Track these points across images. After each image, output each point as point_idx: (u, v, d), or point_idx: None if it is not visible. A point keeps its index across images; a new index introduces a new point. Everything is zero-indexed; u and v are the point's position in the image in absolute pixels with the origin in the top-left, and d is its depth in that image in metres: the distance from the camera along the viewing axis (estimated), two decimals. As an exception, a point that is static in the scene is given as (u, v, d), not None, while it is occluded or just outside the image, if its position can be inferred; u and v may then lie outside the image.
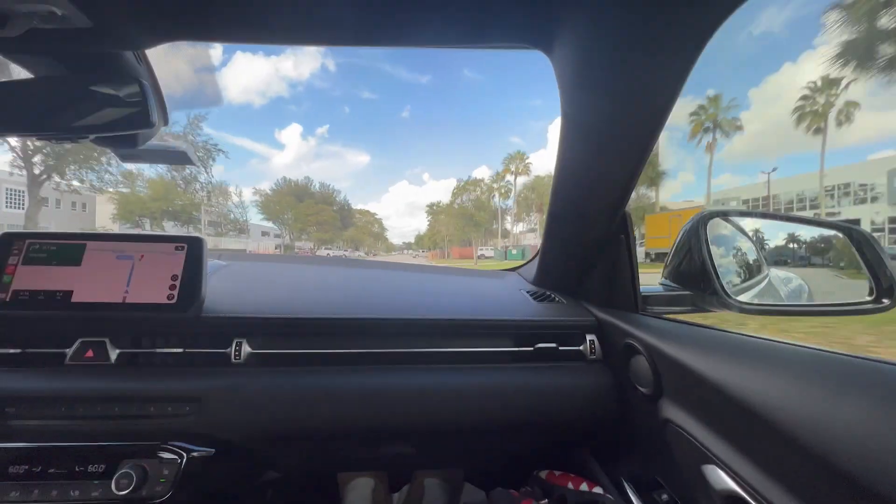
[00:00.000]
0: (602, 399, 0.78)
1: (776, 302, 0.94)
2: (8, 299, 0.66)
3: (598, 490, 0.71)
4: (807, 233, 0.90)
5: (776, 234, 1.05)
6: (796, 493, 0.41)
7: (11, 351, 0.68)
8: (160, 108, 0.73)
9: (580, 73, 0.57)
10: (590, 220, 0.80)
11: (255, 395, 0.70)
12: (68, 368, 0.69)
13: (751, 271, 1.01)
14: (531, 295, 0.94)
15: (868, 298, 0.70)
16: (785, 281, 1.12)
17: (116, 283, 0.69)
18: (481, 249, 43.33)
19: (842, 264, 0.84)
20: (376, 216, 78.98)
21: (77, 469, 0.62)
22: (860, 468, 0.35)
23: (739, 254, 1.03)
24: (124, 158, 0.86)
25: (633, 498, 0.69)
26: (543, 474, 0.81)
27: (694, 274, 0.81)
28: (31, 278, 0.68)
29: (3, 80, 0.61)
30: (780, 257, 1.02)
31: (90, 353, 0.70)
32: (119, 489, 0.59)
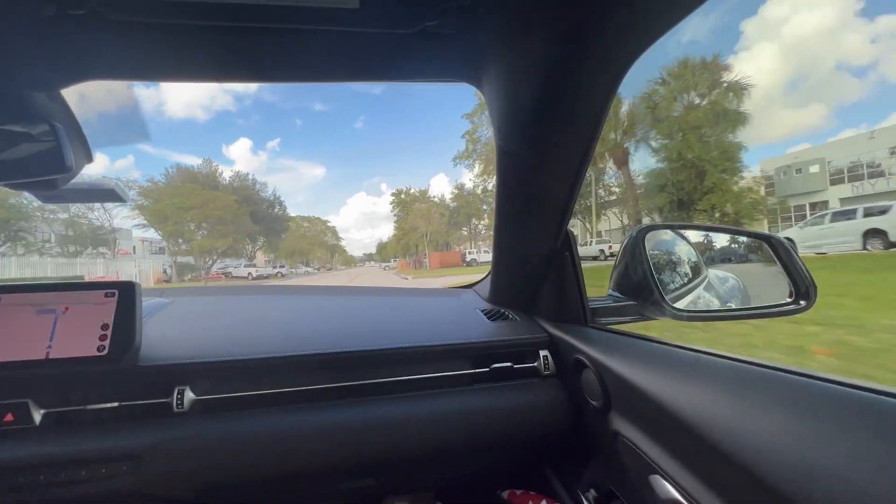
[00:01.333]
0: (558, 414, 0.79)
1: (708, 308, 1.00)
2: None
3: None
4: (729, 242, 0.97)
5: (712, 241, 1.12)
6: (729, 502, 0.44)
7: None
8: (81, 148, 0.69)
9: (510, 106, 0.59)
10: (534, 240, 0.82)
11: (203, 445, 0.66)
12: None
13: (690, 275, 1.08)
14: (485, 313, 0.96)
15: (789, 300, 0.76)
16: (722, 280, 1.19)
17: (37, 337, 0.64)
18: (471, 253, 32.19)
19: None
20: (329, 223, 66.50)
21: None
22: (782, 480, 0.37)
23: (680, 259, 1.09)
24: (46, 200, 0.80)
25: None
26: (505, 494, 0.81)
27: (636, 284, 0.85)
28: None
29: None
30: (711, 258, 1.09)
31: (10, 417, 0.64)
32: None
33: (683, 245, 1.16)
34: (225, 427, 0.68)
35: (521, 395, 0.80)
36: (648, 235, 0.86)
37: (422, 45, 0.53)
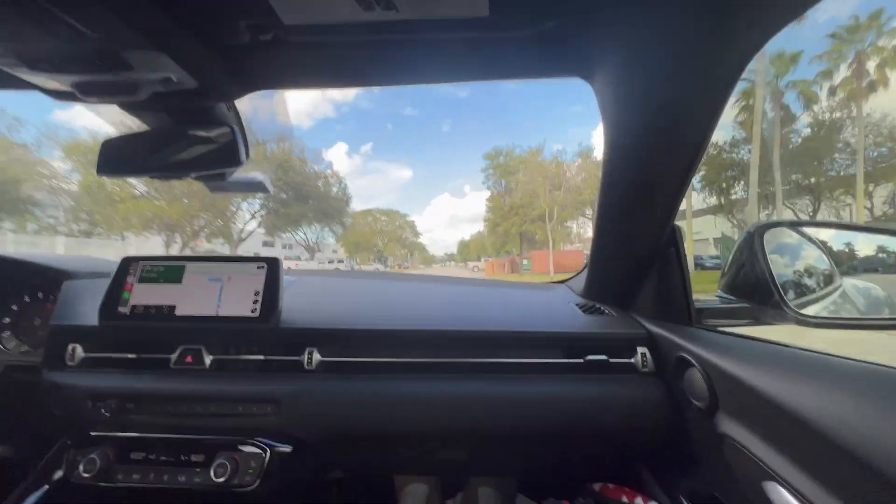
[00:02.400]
0: (655, 412, 0.77)
1: (846, 315, 0.89)
2: (128, 313, 0.80)
3: None
4: (878, 242, 0.85)
5: (850, 243, 0.98)
6: None
7: (130, 356, 0.81)
8: (245, 147, 0.84)
9: (621, 99, 0.60)
10: (637, 235, 0.81)
11: (323, 399, 0.78)
12: (172, 371, 0.80)
13: (819, 282, 0.96)
14: (580, 307, 0.96)
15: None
16: (863, 291, 1.04)
17: (210, 298, 0.81)
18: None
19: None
20: (408, 218, 60.35)
21: (182, 458, 0.72)
22: None
23: (805, 264, 0.98)
24: (213, 190, 0.99)
25: None
26: (598, 487, 0.81)
27: (751, 286, 0.79)
28: (144, 295, 0.81)
29: (126, 133, 0.75)
30: (853, 266, 0.95)
31: (189, 359, 0.81)
32: (217, 476, 0.69)
33: (812, 250, 1.03)
34: (344, 386, 0.79)
35: (615, 389, 0.79)
36: (768, 234, 0.80)
37: (541, 45, 0.57)
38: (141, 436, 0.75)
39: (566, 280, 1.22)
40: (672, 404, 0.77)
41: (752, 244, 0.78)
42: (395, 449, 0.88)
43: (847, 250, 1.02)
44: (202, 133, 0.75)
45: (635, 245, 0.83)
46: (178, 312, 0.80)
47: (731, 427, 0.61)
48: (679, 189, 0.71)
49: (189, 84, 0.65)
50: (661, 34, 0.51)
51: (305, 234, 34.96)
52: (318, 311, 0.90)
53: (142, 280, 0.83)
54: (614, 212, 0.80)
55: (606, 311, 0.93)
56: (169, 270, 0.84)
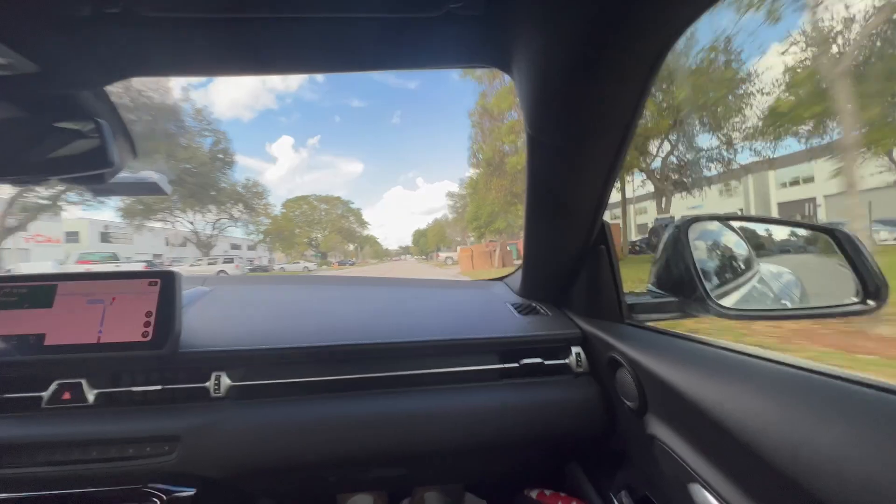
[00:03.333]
0: (590, 412, 0.76)
1: (760, 307, 0.93)
2: None
3: None
4: (788, 234, 0.89)
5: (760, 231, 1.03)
6: None
7: None
8: (125, 144, 0.72)
9: (539, 90, 0.55)
10: (568, 233, 0.79)
11: (237, 430, 0.69)
12: (46, 413, 0.68)
13: (739, 271, 1.00)
14: (516, 308, 0.93)
15: (855, 300, 0.69)
16: (776, 276, 1.10)
17: (90, 323, 0.68)
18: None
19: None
20: (351, 205, 50.88)
21: None
22: (837, 497, 0.34)
23: (728, 253, 1.02)
24: (97, 193, 0.85)
25: None
26: (534, 494, 0.80)
27: (678, 280, 0.79)
28: (2, 323, 0.68)
29: None
30: (769, 250, 1.00)
31: (67, 395, 0.69)
32: None
33: (731, 236, 1.07)
34: (259, 413, 0.70)
35: (551, 392, 0.78)
36: (693, 227, 0.80)
37: (448, 28, 0.51)
38: (4, 497, 0.62)
39: (504, 277, 1.20)
40: (605, 404, 0.76)
41: (677, 237, 0.78)
42: (325, 474, 0.81)
43: (766, 235, 1.07)
44: (65, 126, 0.63)
45: (565, 242, 0.81)
46: (48, 342, 0.67)
47: (658, 428, 0.61)
48: (605, 185, 0.69)
49: (27, 68, 0.52)
50: (578, 20, 0.47)
51: (192, 224, 24.09)
52: (227, 328, 0.80)
53: (0, 306, 0.69)
54: (542, 209, 0.77)
55: (542, 311, 0.91)
56: (35, 292, 0.70)
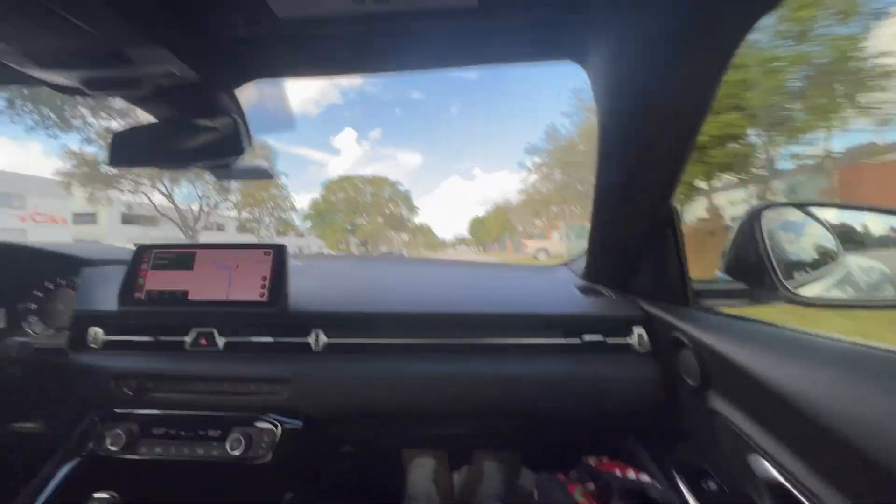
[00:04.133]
0: (650, 390, 0.80)
1: (843, 295, 0.89)
2: (143, 298, 0.84)
3: (644, 478, 0.74)
4: (881, 222, 0.84)
5: (852, 223, 0.97)
6: (838, 486, 0.43)
7: (147, 339, 0.86)
8: (247, 136, 0.86)
9: (614, 82, 0.59)
10: (634, 217, 0.82)
11: (329, 379, 0.81)
12: (188, 353, 0.85)
13: (821, 261, 0.95)
14: (579, 289, 0.97)
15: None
16: (867, 270, 1.03)
17: (220, 283, 0.84)
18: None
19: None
20: (400, 188, 43.49)
21: (200, 433, 0.77)
22: None
23: (808, 243, 0.97)
24: (219, 178, 1.01)
25: (681, 486, 0.71)
26: (592, 461, 0.84)
27: (749, 267, 0.79)
28: (157, 281, 0.85)
29: (135, 124, 0.77)
30: (855, 245, 0.95)
31: (204, 342, 0.86)
32: (232, 450, 0.74)
33: (815, 227, 1.02)
34: (347, 366, 0.82)
35: (612, 369, 0.82)
36: (770, 215, 0.80)
37: (533, 31, 0.57)
38: (161, 413, 0.80)
39: (567, 263, 1.24)
40: (666, 383, 0.79)
41: (751, 224, 0.78)
42: (400, 426, 0.92)
43: (859, 229, 1.00)
44: (206, 123, 0.77)
45: (632, 227, 0.84)
46: (190, 297, 0.84)
47: (720, 404, 0.63)
48: (674, 172, 0.71)
49: (190, 77, 0.66)
50: (653, 16, 0.51)
51: (169, 195, 19.05)
52: (324, 295, 0.94)
53: (155, 267, 0.87)
54: (610, 194, 0.80)
55: (605, 293, 0.95)
56: (180, 258, 0.87)
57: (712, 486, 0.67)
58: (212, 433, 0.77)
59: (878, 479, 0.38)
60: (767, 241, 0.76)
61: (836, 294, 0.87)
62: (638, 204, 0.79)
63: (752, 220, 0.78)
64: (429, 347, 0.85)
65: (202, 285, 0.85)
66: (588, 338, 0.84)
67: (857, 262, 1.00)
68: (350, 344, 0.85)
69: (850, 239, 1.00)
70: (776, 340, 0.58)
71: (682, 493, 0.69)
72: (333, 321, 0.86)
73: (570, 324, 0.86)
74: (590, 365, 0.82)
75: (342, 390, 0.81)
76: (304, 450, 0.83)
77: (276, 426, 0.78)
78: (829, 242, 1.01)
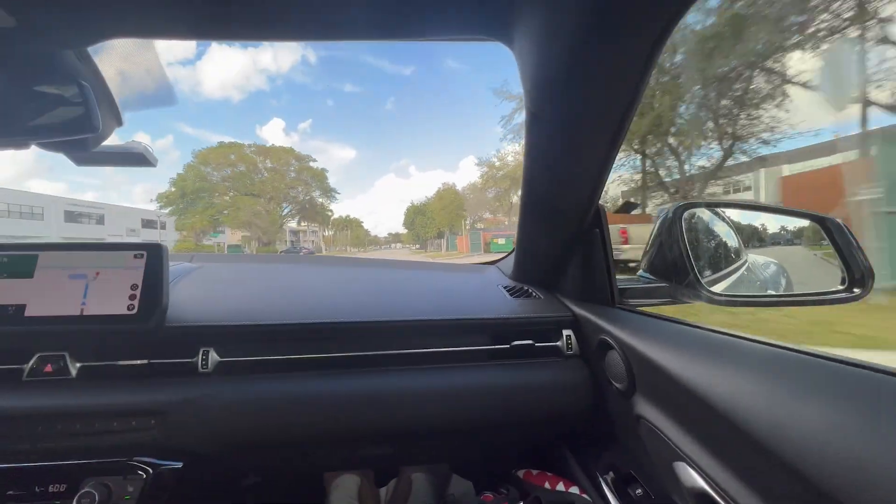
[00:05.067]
0: (578, 394, 0.77)
1: (749, 293, 0.94)
2: None
3: (574, 490, 0.72)
4: (780, 222, 0.90)
5: (752, 222, 1.04)
6: (763, 495, 0.41)
7: None
8: (109, 110, 0.69)
9: (541, 66, 0.54)
10: (563, 216, 0.79)
11: (225, 405, 0.68)
12: (26, 385, 0.66)
13: (729, 259, 1.01)
14: (508, 290, 0.93)
15: (840, 287, 0.70)
16: (763, 266, 1.12)
17: (73, 295, 0.67)
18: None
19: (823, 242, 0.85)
20: (312, 165, 33.23)
21: (37, 490, 0.60)
22: (822, 474, 0.34)
23: (718, 241, 1.03)
24: (78, 162, 0.82)
25: (608, 493, 0.69)
26: (521, 473, 0.81)
27: (670, 266, 0.80)
28: None
29: None
30: (757, 242, 1.01)
31: (49, 368, 0.67)
32: None
33: (722, 226, 1.08)
34: (247, 389, 0.69)
35: (541, 374, 0.78)
36: (686, 213, 0.81)
37: (456, 2, 0.50)
38: None
39: (497, 261, 1.20)
40: (594, 386, 0.77)
41: (671, 222, 0.78)
42: (313, 450, 0.81)
43: (758, 227, 1.08)
44: (46, 90, 0.60)
45: (560, 226, 0.81)
46: (28, 313, 0.65)
47: (645, 409, 0.62)
48: (603, 167, 0.69)
49: (3, 22, 0.50)
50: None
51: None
52: (216, 304, 0.79)
53: None
54: (538, 192, 0.77)
55: (534, 294, 0.92)
56: (15, 261, 0.68)
57: (639, 492, 0.65)
58: (53, 489, 0.60)
59: (797, 486, 0.36)
60: (686, 240, 0.76)
61: (744, 291, 0.92)
62: (566, 203, 0.76)
63: (672, 220, 0.79)
64: (344, 361, 0.75)
65: (46, 297, 0.66)
66: (517, 343, 0.79)
67: (755, 259, 1.08)
68: (249, 362, 0.72)
69: (752, 237, 1.07)
70: (700, 343, 0.57)
71: (608, 502, 0.67)
72: (227, 336, 0.73)
73: (499, 328, 0.81)
74: (519, 371, 0.78)
75: (240, 417, 0.68)
76: (190, 493, 0.69)
77: (145, 471, 0.63)
78: (733, 240, 1.07)
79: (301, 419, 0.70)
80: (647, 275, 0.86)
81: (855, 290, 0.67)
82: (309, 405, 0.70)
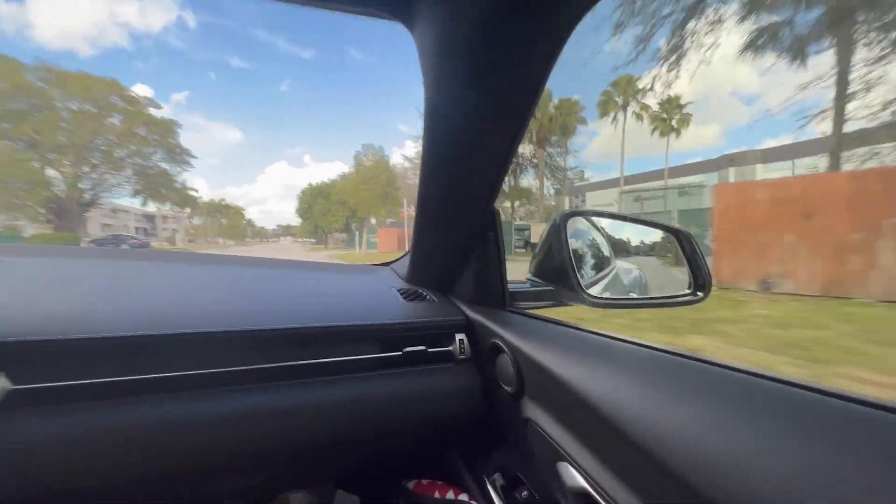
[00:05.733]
0: (470, 399, 0.76)
1: (616, 296, 1.05)
2: None
3: (463, 497, 0.70)
4: (645, 232, 1.02)
5: (622, 231, 1.17)
6: (639, 493, 0.43)
7: None
8: None
9: (442, 52, 0.51)
10: (459, 217, 0.77)
11: (27, 446, 0.50)
12: None
13: (602, 265, 1.12)
14: (402, 293, 0.89)
15: (687, 291, 0.81)
16: (627, 272, 1.27)
17: None
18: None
19: (668, 255, 0.98)
20: (149, 109, 23.55)
21: None
22: (687, 469, 0.36)
23: (594, 249, 1.13)
24: None
25: (494, 497, 0.69)
26: (411, 485, 0.77)
27: (555, 270, 0.84)
28: None
29: None
30: (623, 250, 1.15)
31: None
32: None
33: (597, 234, 1.20)
34: (57, 422, 0.52)
35: (432, 381, 0.75)
36: (570, 221, 0.86)
37: None
38: None
39: (391, 262, 1.15)
40: (486, 390, 0.77)
41: (559, 229, 0.82)
42: (159, 493, 0.65)
43: (624, 238, 1.21)
44: None
45: (457, 228, 0.79)
46: None
47: (533, 411, 0.62)
48: (500, 169, 0.68)
49: None
50: None
51: None
52: (13, 311, 0.59)
53: None
54: (435, 192, 0.74)
55: (428, 297, 0.89)
56: None
57: (524, 494, 0.66)
58: None
59: (670, 484, 0.38)
60: (570, 246, 0.81)
61: (614, 295, 1.01)
62: (463, 203, 0.75)
63: (558, 226, 0.83)
64: (199, 380, 0.61)
65: None
66: (409, 349, 0.75)
67: (621, 265, 1.22)
68: (62, 388, 0.55)
69: (618, 246, 1.21)
70: (582, 344, 0.59)
71: None
72: (26, 355, 0.54)
73: (390, 334, 0.76)
74: (410, 378, 0.74)
75: (43, 461, 0.51)
76: None
77: None
78: (606, 249, 1.20)
79: (140, 454, 0.55)
80: (536, 279, 0.90)
81: (698, 293, 0.78)
82: (149, 436, 0.56)
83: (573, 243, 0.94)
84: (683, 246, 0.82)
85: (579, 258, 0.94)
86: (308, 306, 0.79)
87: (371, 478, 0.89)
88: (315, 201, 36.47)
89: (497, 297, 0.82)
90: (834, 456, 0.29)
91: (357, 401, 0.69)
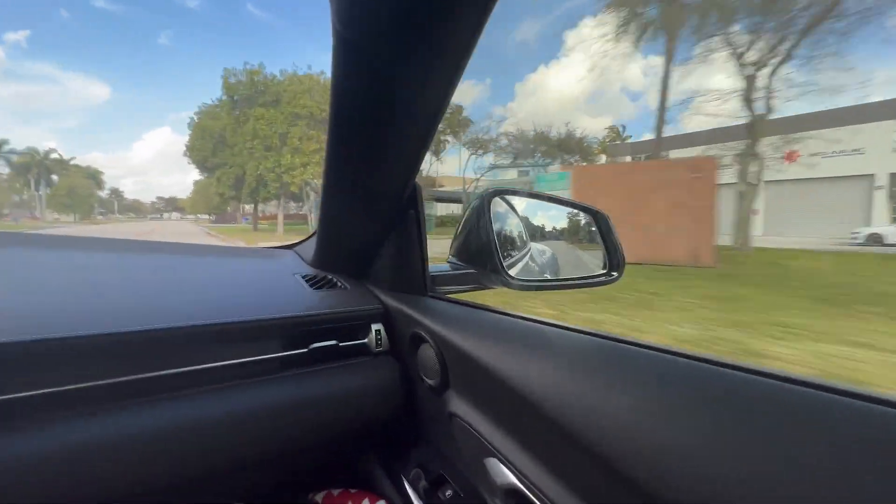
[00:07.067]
0: (388, 396, 0.69)
1: (533, 277, 1.05)
2: None
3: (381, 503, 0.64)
4: (564, 212, 1.03)
5: (539, 211, 1.18)
6: (571, 486, 0.40)
7: None
8: None
9: (357, 7, 0.41)
10: (374, 194, 0.68)
11: None
12: None
13: (519, 245, 1.11)
14: (308, 280, 0.77)
15: (602, 272, 0.82)
16: (541, 253, 1.29)
17: None
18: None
19: (581, 237, 1.01)
20: None
21: None
22: (629, 461, 0.34)
23: (512, 229, 1.12)
24: None
25: (415, 500, 0.63)
26: (320, 497, 0.68)
27: (478, 251, 0.80)
28: None
29: None
30: (539, 232, 1.15)
31: None
32: None
33: (514, 216, 1.19)
34: None
35: (346, 379, 0.66)
36: (495, 200, 0.81)
37: None
38: None
39: (293, 245, 1.00)
40: (406, 385, 0.70)
41: (483, 208, 0.77)
42: None
43: (540, 220, 1.22)
44: None
45: (372, 206, 0.70)
46: None
47: (459, 405, 0.58)
48: (423, 141, 0.60)
49: None
50: None
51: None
52: None
53: None
54: (347, 164, 0.63)
55: (339, 284, 0.78)
56: None
57: (448, 493, 0.61)
58: None
59: (605, 475, 0.36)
60: (494, 227, 0.77)
61: (531, 276, 1.01)
62: (378, 181, 0.65)
63: (481, 206, 0.78)
64: (53, 399, 0.44)
65: None
66: (317, 345, 0.65)
67: (536, 246, 1.23)
68: None
69: (533, 228, 1.22)
70: (511, 332, 0.56)
71: None
72: None
73: (295, 329, 0.64)
74: (319, 379, 0.64)
75: None
76: None
77: None
78: (522, 229, 1.19)
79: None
80: (456, 260, 0.84)
81: (612, 273, 0.80)
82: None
83: (501, 223, 0.91)
84: (600, 226, 0.83)
85: (501, 239, 0.91)
86: (196, 299, 0.63)
87: (277, 492, 0.77)
88: (217, 145, 19.95)
89: (418, 282, 0.74)
90: (780, 441, 0.28)
91: (255, 411, 0.57)
